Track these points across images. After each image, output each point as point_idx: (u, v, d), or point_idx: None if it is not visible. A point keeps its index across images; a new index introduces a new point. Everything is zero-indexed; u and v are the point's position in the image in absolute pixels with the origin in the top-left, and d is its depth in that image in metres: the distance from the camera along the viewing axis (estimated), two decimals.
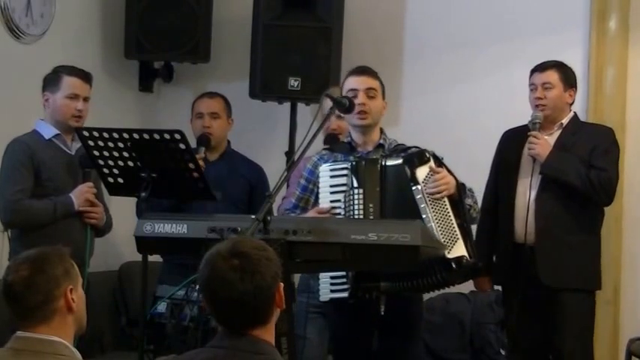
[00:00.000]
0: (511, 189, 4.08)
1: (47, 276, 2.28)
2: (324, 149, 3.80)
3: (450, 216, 3.34)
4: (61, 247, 2.38)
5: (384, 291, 3.34)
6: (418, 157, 3.42)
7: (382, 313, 3.36)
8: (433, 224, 3.28)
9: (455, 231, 3.32)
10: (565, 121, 4.10)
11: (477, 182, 4.65)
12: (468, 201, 3.50)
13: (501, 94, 5.03)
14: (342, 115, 3.68)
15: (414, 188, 3.35)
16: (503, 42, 5.12)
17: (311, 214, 3.50)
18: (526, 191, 4.02)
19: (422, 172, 3.38)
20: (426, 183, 3.36)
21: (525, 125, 4.10)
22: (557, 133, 4.09)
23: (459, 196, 3.40)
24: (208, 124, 4.35)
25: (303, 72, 4.94)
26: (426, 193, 3.34)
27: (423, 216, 3.29)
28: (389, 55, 5.18)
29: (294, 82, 4.94)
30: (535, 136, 4.01)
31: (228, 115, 4.46)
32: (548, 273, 3.95)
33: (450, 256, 3.27)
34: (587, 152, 4.01)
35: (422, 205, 3.33)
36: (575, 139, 4.06)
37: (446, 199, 3.35)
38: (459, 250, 3.29)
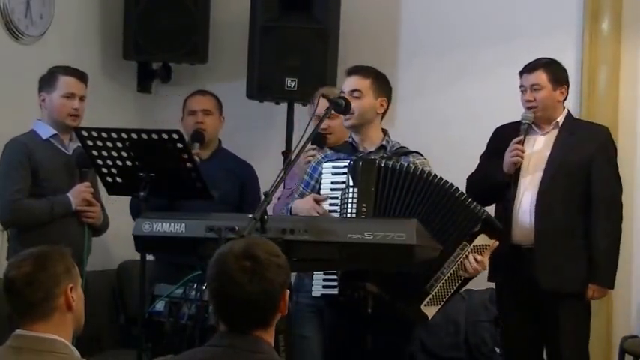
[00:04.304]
0: (509, 189, 4.02)
1: (49, 273, 2.30)
2: (312, 148, 3.84)
3: (454, 286, 3.45)
4: (63, 246, 2.41)
5: (370, 291, 3.38)
6: (495, 227, 3.45)
7: (369, 311, 3.39)
8: (442, 278, 3.38)
9: (444, 297, 3.43)
10: (560, 119, 4.07)
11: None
12: None
13: (496, 95, 5.05)
14: (335, 114, 3.71)
15: (464, 243, 3.39)
16: (497, 43, 5.14)
17: (307, 201, 3.53)
18: (525, 192, 3.99)
19: (480, 240, 3.42)
20: (472, 251, 3.40)
21: (519, 122, 4.07)
22: (553, 132, 4.06)
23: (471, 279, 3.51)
24: (202, 121, 4.33)
25: (300, 73, 4.96)
26: (462, 259, 3.39)
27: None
28: (385, 56, 5.20)
29: (290, 83, 4.97)
30: (518, 147, 3.97)
31: (220, 112, 4.46)
32: (546, 277, 3.92)
33: (423, 308, 3.40)
34: (588, 154, 3.98)
35: (451, 258, 3.39)
36: (575, 140, 4.02)
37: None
38: (430, 311, 3.43)
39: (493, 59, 5.16)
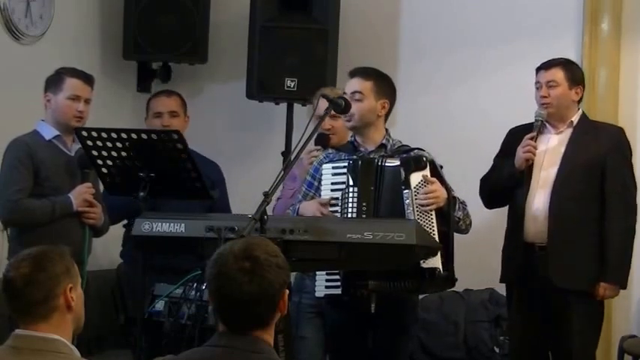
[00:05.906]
0: (522, 188, 4.01)
1: (48, 274, 2.30)
2: (315, 149, 3.85)
3: (433, 226, 3.38)
4: (63, 246, 2.41)
5: (372, 289, 3.37)
6: (415, 161, 3.44)
7: (372, 311, 3.38)
8: None
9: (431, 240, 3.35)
10: (575, 119, 4.06)
11: (471, 185, 4.71)
12: (458, 213, 3.53)
13: (496, 96, 5.06)
14: (337, 115, 3.71)
15: (404, 192, 3.40)
16: (496, 44, 5.14)
17: (313, 204, 3.55)
18: (539, 190, 3.99)
19: (415, 178, 3.41)
20: (417, 190, 3.39)
21: (532, 123, 4.06)
22: (568, 131, 4.06)
23: (447, 208, 3.43)
24: (168, 123, 4.32)
25: (300, 73, 4.97)
26: (415, 202, 3.38)
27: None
28: (385, 56, 5.20)
29: (290, 83, 4.97)
30: (530, 143, 3.97)
31: (185, 112, 4.45)
32: (561, 275, 3.91)
33: (424, 266, 3.29)
34: (603, 153, 3.98)
35: (408, 210, 3.38)
36: (589, 139, 4.03)
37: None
38: (434, 261, 3.32)
39: (493, 60, 5.16)
